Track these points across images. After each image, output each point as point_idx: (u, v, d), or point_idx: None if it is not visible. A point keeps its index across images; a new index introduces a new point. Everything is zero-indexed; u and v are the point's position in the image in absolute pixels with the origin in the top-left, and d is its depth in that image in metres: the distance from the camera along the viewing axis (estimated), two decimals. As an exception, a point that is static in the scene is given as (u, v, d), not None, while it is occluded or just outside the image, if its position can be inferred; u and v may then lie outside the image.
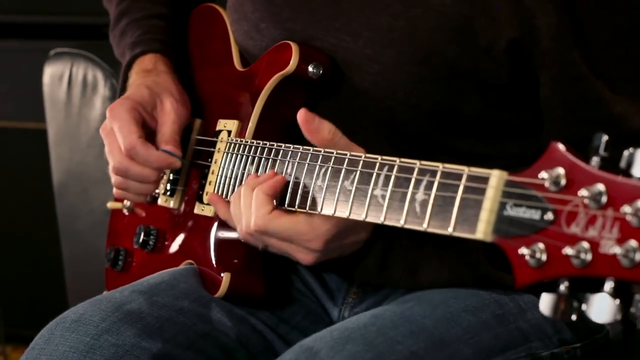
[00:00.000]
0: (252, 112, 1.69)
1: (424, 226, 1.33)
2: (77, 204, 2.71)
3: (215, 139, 1.76)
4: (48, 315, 1.68)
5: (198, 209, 1.76)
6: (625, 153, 1.14)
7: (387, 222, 1.39)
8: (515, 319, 1.58)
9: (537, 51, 1.51)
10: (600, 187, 1.14)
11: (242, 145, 1.68)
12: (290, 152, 1.57)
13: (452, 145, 1.62)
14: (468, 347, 1.51)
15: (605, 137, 1.17)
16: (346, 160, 1.47)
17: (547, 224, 1.18)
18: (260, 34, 1.72)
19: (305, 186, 1.52)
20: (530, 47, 1.52)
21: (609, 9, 1.52)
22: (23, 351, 1.64)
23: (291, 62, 1.64)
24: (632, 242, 1.10)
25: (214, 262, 1.69)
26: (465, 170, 1.30)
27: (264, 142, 1.63)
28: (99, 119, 2.62)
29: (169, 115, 1.76)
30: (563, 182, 1.18)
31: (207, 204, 1.73)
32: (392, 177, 1.39)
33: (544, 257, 1.18)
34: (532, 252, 1.18)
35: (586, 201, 1.14)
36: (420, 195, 1.35)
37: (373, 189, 1.42)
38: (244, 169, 1.66)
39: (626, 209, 1.11)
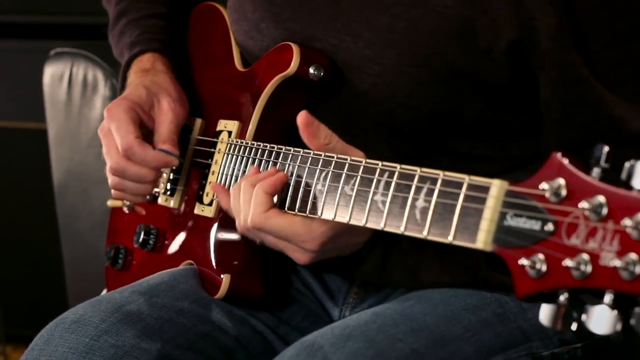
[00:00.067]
0: (252, 113, 1.69)
1: (424, 234, 1.33)
2: (77, 204, 2.71)
3: (215, 140, 1.76)
4: (48, 316, 1.68)
5: (198, 210, 1.76)
6: (626, 165, 1.14)
7: (387, 229, 1.39)
8: (516, 318, 1.58)
9: (536, 53, 1.51)
10: (601, 199, 1.14)
11: (242, 147, 1.68)
12: (290, 155, 1.57)
13: (452, 147, 1.62)
14: (469, 345, 1.51)
15: (606, 149, 1.16)
16: (347, 165, 1.47)
17: (547, 235, 1.18)
18: (261, 34, 1.72)
19: (305, 190, 1.52)
20: (530, 49, 1.51)
21: (609, 11, 1.51)
22: (23, 351, 1.65)
23: (292, 63, 1.64)
24: (632, 255, 1.10)
25: (213, 263, 1.69)
26: (466, 178, 1.30)
27: (265, 144, 1.63)
28: (99, 119, 2.62)
29: (166, 115, 1.76)
30: (564, 193, 1.18)
31: (208, 205, 1.73)
32: (393, 184, 1.39)
33: (544, 268, 1.18)
34: (532, 263, 1.18)
35: (587, 213, 1.14)
36: (420, 203, 1.35)
37: (373, 195, 1.41)
38: (244, 170, 1.66)
39: (626, 221, 1.11)
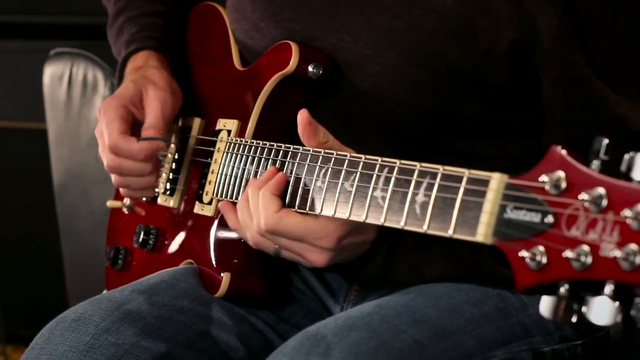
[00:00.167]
0: (251, 112, 1.69)
1: (424, 228, 1.33)
2: (77, 204, 2.71)
3: (215, 139, 1.76)
4: (48, 315, 1.68)
5: (198, 209, 1.76)
6: (626, 157, 1.14)
7: (387, 224, 1.39)
8: (517, 313, 1.58)
9: (538, 53, 1.52)
10: (601, 190, 1.14)
11: (242, 145, 1.68)
12: (290, 153, 1.57)
13: (452, 146, 1.62)
14: (471, 338, 1.51)
15: (605, 141, 1.17)
16: (346, 161, 1.47)
17: (547, 227, 1.18)
18: (260, 33, 1.72)
19: (305, 187, 1.53)
20: (531, 49, 1.52)
21: (610, 10, 1.52)
22: (23, 351, 1.64)
23: (291, 62, 1.64)
24: (633, 246, 1.10)
25: (213, 261, 1.69)
26: (466, 172, 1.30)
27: (264, 142, 1.64)
28: (99, 119, 2.62)
29: (152, 104, 1.76)
30: (563, 185, 1.18)
31: (207, 204, 1.74)
32: (392, 179, 1.39)
33: (544, 260, 1.18)
34: (532, 255, 1.19)
35: (586, 204, 1.15)
36: (420, 197, 1.35)
37: (373, 191, 1.42)
38: (244, 168, 1.66)
39: (626, 212, 1.11)
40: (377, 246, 1.60)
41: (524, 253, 1.19)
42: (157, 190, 1.83)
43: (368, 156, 1.45)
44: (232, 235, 1.68)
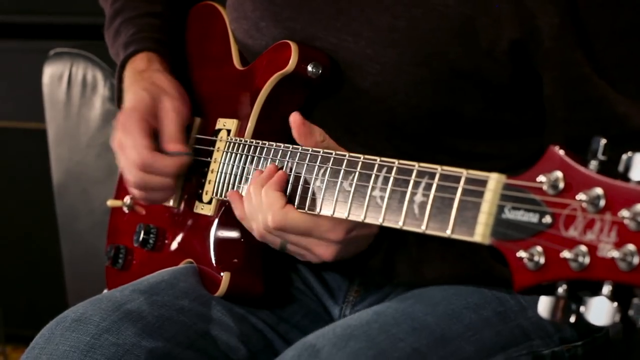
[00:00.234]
0: (251, 112, 1.69)
1: (422, 228, 1.34)
2: (77, 204, 2.71)
3: (214, 138, 1.76)
4: (48, 315, 1.68)
5: (198, 208, 1.76)
6: (624, 157, 1.14)
7: (386, 224, 1.39)
8: (516, 317, 1.58)
9: (539, 52, 1.51)
10: (599, 191, 1.14)
11: (241, 145, 1.68)
12: (289, 152, 1.57)
13: (452, 146, 1.62)
14: (470, 345, 1.51)
15: (603, 141, 1.17)
16: (345, 161, 1.48)
17: (545, 227, 1.18)
18: (260, 32, 1.72)
19: (304, 186, 1.53)
20: (532, 48, 1.52)
21: (611, 9, 1.52)
22: (23, 351, 1.64)
23: (290, 61, 1.64)
24: (630, 246, 1.10)
25: (213, 261, 1.69)
26: (464, 172, 1.30)
27: (264, 141, 1.64)
28: (98, 119, 2.62)
29: (169, 115, 1.77)
30: (561, 185, 1.18)
31: (207, 203, 1.74)
32: (391, 179, 1.40)
33: (542, 260, 1.18)
34: (530, 255, 1.19)
35: (584, 205, 1.15)
36: (418, 197, 1.35)
37: (372, 190, 1.42)
38: (244, 168, 1.66)
39: (624, 212, 1.11)
40: (380, 240, 1.60)
41: (521, 253, 1.19)
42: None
43: (367, 156, 1.45)
44: (232, 234, 1.68)
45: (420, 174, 1.36)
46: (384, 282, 1.70)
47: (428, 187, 1.34)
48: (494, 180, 1.26)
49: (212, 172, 1.74)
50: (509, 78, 1.56)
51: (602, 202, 1.14)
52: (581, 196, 1.15)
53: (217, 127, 1.77)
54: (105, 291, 1.91)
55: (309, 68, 1.63)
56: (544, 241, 1.18)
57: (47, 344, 1.59)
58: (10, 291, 3.37)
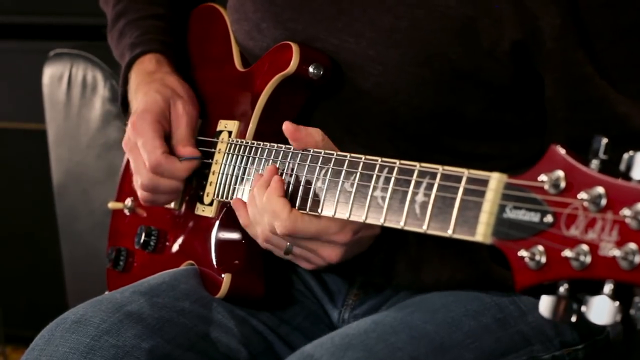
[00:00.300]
0: (252, 113, 1.69)
1: (423, 228, 1.33)
2: (77, 205, 2.71)
3: (215, 140, 1.76)
4: (48, 316, 1.68)
5: (199, 210, 1.76)
6: (625, 156, 1.14)
7: (387, 224, 1.39)
8: (516, 322, 1.58)
9: (541, 52, 1.52)
10: (600, 190, 1.14)
11: (242, 146, 1.68)
12: (290, 154, 1.57)
13: (454, 146, 1.62)
14: (469, 352, 1.51)
15: (604, 140, 1.17)
16: (346, 161, 1.48)
17: (546, 227, 1.18)
18: (261, 34, 1.72)
19: (305, 187, 1.53)
20: (533, 49, 1.52)
21: (612, 9, 1.52)
22: (23, 352, 1.64)
23: (292, 62, 1.64)
24: (632, 245, 1.10)
25: (214, 263, 1.69)
26: (465, 172, 1.30)
27: (265, 143, 1.64)
28: (98, 120, 2.62)
29: (182, 118, 1.77)
30: (562, 184, 1.18)
31: (208, 205, 1.74)
32: (392, 179, 1.40)
33: (543, 260, 1.18)
34: (531, 255, 1.19)
35: (586, 204, 1.15)
36: (420, 197, 1.35)
37: (373, 191, 1.42)
38: (245, 169, 1.66)
39: (625, 211, 1.11)
40: (380, 240, 1.59)
41: (523, 253, 1.19)
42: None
43: (368, 156, 1.45)
44: (233, 236, 1.68)
45: (422, 174, 1.36)
46: (383, 283, 1.70)
47: (429, 187, 1.34)
48: (495, 180, 1.26)
49: (213, 173, 1.74)
50: (510, 79, 1.56)
51: (604, 201, 1.14)
52: (582, 195, 1.15)
53: (219, 128, 1.77)
54: (107, 293, 1.92)
55: (311, 69, 1.63)
56: (545, 240, 1.18)
57: (47, 346, 1.59)
58: (10, 292, 3.37)
